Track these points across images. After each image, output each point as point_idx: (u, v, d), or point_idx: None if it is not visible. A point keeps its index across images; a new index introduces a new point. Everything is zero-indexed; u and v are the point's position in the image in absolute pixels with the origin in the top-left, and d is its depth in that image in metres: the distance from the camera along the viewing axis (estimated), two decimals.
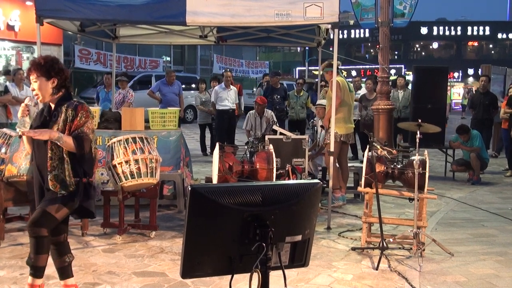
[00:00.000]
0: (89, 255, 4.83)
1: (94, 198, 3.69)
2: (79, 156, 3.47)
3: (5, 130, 5.33)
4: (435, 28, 52.75)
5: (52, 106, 3.56)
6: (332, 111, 6.18)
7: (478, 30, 52.23)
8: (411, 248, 4.91)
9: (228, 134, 10.91)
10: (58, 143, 3.41)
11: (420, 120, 5.07)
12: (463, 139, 9.24)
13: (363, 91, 11.51)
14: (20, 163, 4.90)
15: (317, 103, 8.17)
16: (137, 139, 5.34)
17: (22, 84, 9.16)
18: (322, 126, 7.68)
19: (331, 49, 12.37)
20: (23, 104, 3.50)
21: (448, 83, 11.94)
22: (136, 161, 5.20)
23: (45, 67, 3.47)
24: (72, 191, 3.46)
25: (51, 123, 3.48)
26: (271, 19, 5.67)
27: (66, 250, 3.62)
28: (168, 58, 32.15)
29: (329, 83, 6.94)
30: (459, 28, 52.67)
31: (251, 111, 9.51)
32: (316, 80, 13.69)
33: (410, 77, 15.37)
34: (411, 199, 5.01)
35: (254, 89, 25.60)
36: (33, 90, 3.51)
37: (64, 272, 3.62)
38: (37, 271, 3.48)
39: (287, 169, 6.38)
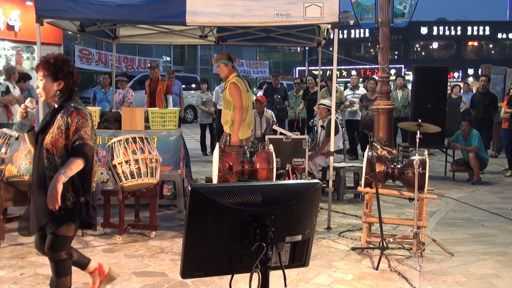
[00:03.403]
0: (89, 255, 4.77)
1: (95, 215, 3.41)
2: (82, 169, 3.18)
3: (5, 130, 5.33)
4: (435, 28, 52.74)
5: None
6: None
7: (478, 30, 52.22)
8: (411, 248, 4.91)
9: None
10: (70, 175, 3.11)
11: (420, 120, 5.08)
12: (464, 127, 9.18)
13: (362, 90, 11.50)
14: (20, 163, 4.91)
15: (318, 103, 8.17)
16: (137, 139, 5.34)
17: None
18: (322, 126, 7.68)
19: (331, 49, 12.35)
20: (22, 105, 3.32)
21: (448, 83, 11.93)
22: (136, 161, 5.20)
23: (53, 67, 3.25)
24: (70, 208, 3.22)
25: (47, 128, 3.26)
26: (271, 19, 5.66)
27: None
28: (168, 58, 32.16)
29: (227, 81, 6.01)
30: (459, 28, 52.67)
31: None
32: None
33: (410, 77, 15.36)
34: (411, 199, 5.01)
35: (254, 89, 25.64)
36: (37, 87, 3.32)
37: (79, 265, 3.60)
38: None
39: (287, 169, 6.37)
